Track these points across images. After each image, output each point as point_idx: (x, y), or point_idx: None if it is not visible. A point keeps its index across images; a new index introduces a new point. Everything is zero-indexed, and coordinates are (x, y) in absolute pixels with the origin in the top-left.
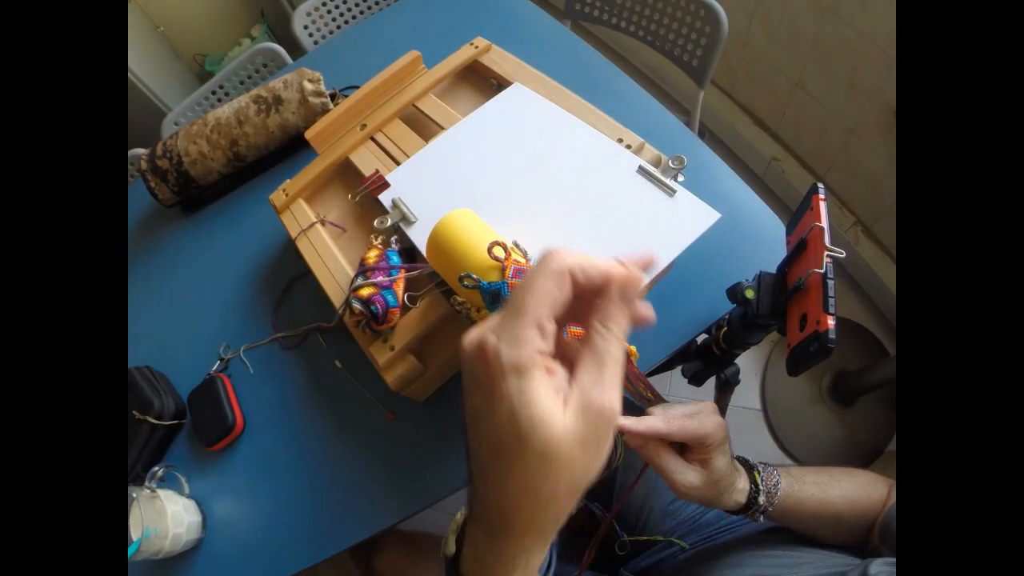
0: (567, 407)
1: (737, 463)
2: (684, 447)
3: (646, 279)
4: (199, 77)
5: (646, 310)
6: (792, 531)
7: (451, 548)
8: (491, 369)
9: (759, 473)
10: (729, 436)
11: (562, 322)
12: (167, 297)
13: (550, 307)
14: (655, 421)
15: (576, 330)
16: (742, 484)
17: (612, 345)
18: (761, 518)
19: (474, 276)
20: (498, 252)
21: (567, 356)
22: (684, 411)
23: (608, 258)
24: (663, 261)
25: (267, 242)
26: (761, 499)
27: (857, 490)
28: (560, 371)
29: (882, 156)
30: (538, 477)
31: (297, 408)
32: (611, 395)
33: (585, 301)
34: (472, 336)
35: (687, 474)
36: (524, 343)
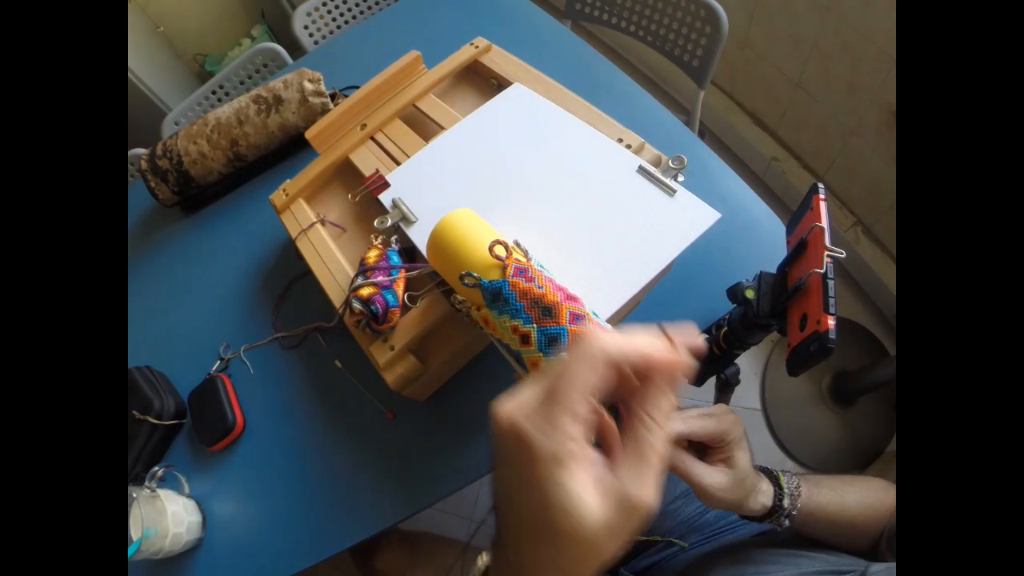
0: (603, 498)
1: (757, 468)
2: (703, 451)
3: (691, 361)
4: (199, 77)
5: (698, 340)
6: (792, 533)
7: None
8: (525, 455)
9: (781, 476)
10: (747, 436)
11: (601, 399)
12: (167, 297)
13: (587, 395)
14: (674, 422)
15: (576, 327)
16: (766, 487)
17: (655, 437)
18: (786, 523)
19: (475, 274)
20: (499, 251)
21: (606, 436)
22: (698, 412)
23: (648, 335)
24: (663, 261)
25: (267, 242)
26: (786, 502)
27: (872, 496)
28: (597, 458)
29: (882, 156)
30: (566, 559)
31: (297, 408)
32: (650, 491)
33: (625, 377)
34: (506, 415)
35: (714, 475)
36: (559, 432)
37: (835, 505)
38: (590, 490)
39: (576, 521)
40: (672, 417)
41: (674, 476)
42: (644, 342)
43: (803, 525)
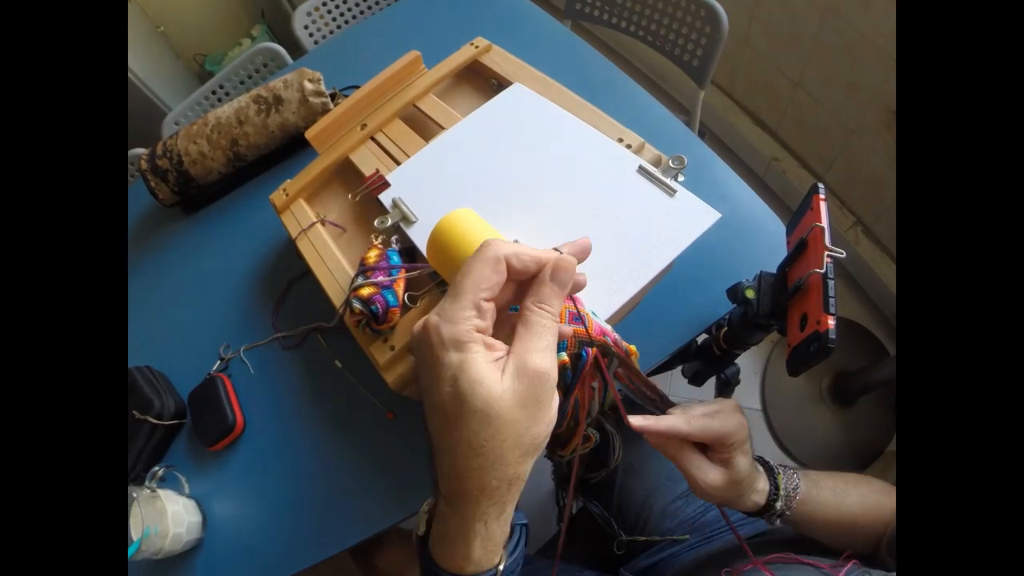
0: (504, 373)
1: (758, 464)
2: (705, 446)
3: (576, 263)
4: (199, 77)
5: (581, 278)
6: (792, 534)
7: (421, 528)
8: (433, 345)
9: (780, 476)
10: (751, 435)
11: (501, 304)
12: (167, 297)
13: (487, 289)
14: (675, 420)
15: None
16: (762, 485)
17: (544, 318)
18: (778, 521)
19: None
20: None
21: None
22: (705, 410)
23: (546, 248)
24: (663, 261)
25: (267, 242)
26: (779, 503)
27: (873, 498)
28: (499, 345)
29: (882, 156)
30: (483, 436)
31: (297, 408)
32: (544, 358)
33: (526, 285)
34: (419, 320)
35: (709, 473)
36: (461, 321)
37: (834, 505)
38: (491, 366)
39: (482, 390)
40: (675, 411)
41: (675, 477)
42: (537, 249)
43: (799, 524)
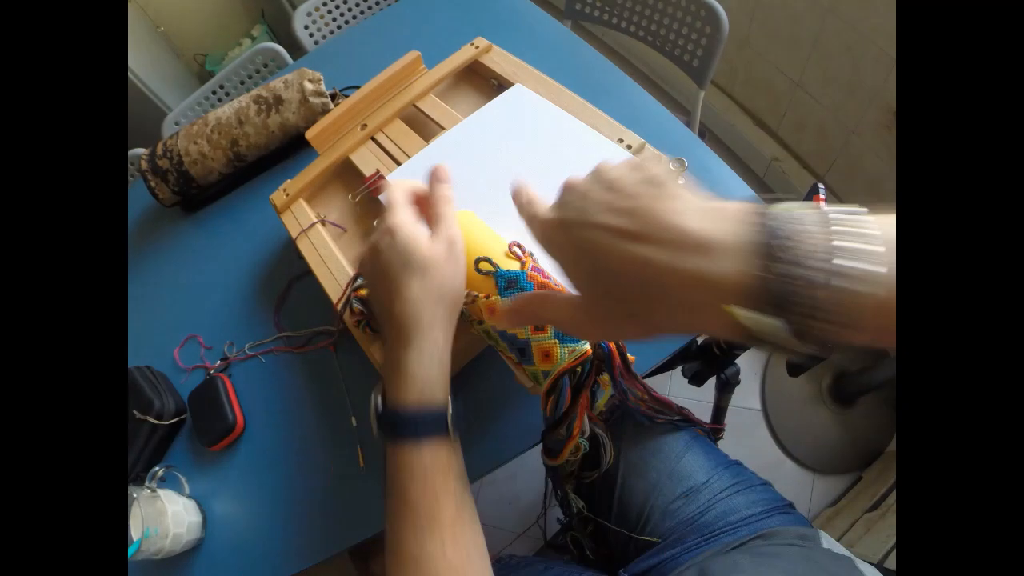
0: (432, 239)
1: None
2: None
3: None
4: (199, 77)
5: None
6: (792, 536)
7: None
8: (384, 227)
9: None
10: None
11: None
12: (167, 297)
13: (406, 199)
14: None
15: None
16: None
17: (443, 206)
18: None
19: (492, 261)
20: (516, 250)
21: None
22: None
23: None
24: None
25: (267, 242)
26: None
27: None
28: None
29: (882, 156)
30: (414, 287)
31: (298, 408)
32: (455, 230)
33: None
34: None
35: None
36: (399, 211)
37: None
38: (419, 224)
39: (420, 243)
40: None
41: (675, 476)
42: (418, 183)
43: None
